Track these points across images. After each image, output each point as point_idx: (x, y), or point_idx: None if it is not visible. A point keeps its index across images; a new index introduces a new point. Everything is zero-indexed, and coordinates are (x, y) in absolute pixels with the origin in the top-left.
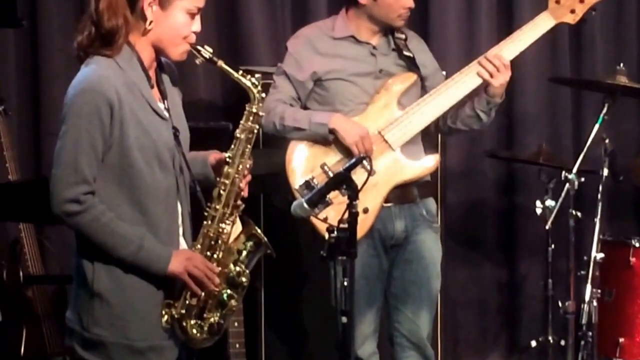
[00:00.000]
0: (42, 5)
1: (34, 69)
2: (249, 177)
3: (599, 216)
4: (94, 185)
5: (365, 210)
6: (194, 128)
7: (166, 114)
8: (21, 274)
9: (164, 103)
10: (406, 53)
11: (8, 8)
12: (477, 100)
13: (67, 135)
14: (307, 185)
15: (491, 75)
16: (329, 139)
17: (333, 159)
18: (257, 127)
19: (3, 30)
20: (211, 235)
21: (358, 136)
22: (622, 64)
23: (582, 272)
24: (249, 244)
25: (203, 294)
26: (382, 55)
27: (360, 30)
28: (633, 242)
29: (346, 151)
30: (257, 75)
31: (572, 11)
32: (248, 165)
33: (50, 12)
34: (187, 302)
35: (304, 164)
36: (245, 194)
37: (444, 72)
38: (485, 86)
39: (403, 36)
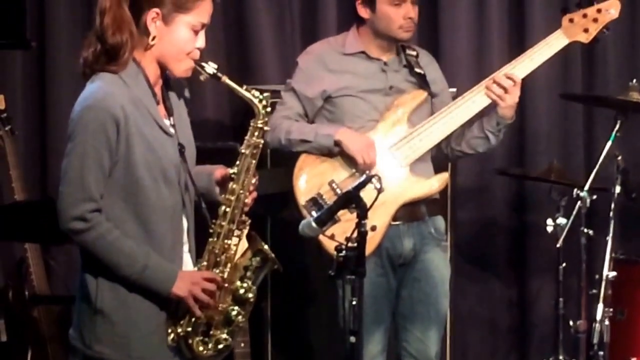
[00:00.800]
0: (50, 26)
1: (41, 88)
2: (254, 194)
3: (611, 234)
4: (100, 202)
5: (373, 228)
6: (201, 148)
7: (172, 130)
8: (27, 294)
9: (169, 119)
10: (417, 70)
11: (17, 29)
12: (487, 120)
13: (74, 152)
14: (315, 202)
15: (499, 98)
16: (333, 151)
17: (341, 176)
18: (262, 142)
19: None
20: (217, 251)
21: (363, 146)
22: (634, 80)
23: (594, 291)
24: (256, 259)
25: (208, 312)
26: (393, 72)
27: (370, 46)
28: None
29: (354, 168)
30: (266, 94)
31: (586, 30)
32: (253, 181)
33: (57, 33)
34: (193, 319)
35: (311, 180)
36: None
37: (454, 90)
38: (495, 106)
39: (414, 53)
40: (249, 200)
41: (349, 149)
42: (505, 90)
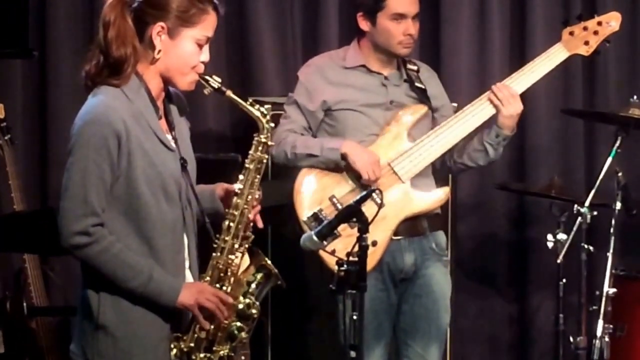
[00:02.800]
0: (51, 35)
1: (41, 98)
2: (258, 208)
3: (611, 250)
4: (102, 216)
5: (374, 243)
6: (203, 159)
7: (173, 144)
8: (25, 305)
9: (171, 134)
10: (418, 85)
11: (19, 39)
12: (487, 132)
13: (75, 167)
14: (315, 217)
15: (502, 103)
16: (340, 164)
17: (342, 191)
18: (266, 157)
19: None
20: (220, 267)
21: (368, 162)
22: (635, 97)
23: (594, 307)
24: (259, 275)
25: (212, 326)
26: (394, 86)
27: (370, 60)
28: None
29: (355, 183)
30: (267, 106)
31: (586, 43)
32: (257, 196)
33: (59, 42)
34: (196, 335)
35: (312, 195)
36: (260, 224)
37: (455, 104)
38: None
39: (415, 67)
40: (252, 215)
41: (354, 163)
42: (511, 94)
